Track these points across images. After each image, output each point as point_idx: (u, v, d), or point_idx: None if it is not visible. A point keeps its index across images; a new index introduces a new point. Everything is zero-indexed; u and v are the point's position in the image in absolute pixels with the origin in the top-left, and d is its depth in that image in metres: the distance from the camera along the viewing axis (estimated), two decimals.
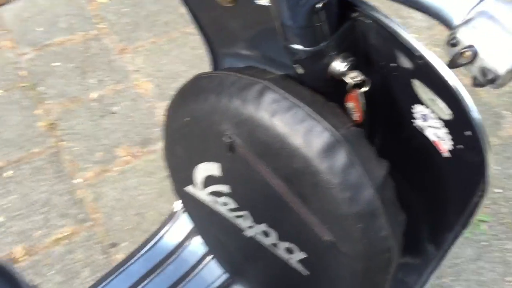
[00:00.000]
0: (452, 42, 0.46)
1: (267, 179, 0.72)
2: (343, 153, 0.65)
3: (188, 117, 0.76)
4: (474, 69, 0.45)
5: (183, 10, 0.92)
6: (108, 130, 1.67)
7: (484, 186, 0.63)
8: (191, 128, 0.77)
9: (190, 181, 0.85)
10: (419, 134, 0.69)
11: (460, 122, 0.59)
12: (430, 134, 0.68)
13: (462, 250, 1.47)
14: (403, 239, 0.74)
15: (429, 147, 0.69)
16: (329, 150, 0.65)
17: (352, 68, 0.66)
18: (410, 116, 0.69)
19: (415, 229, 0.80)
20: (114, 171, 1.56)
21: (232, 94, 0.70)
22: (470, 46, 0.44)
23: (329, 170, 0.65)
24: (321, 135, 0.65)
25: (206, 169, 0.80)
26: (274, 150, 0.68)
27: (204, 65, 0.95)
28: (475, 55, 0.44)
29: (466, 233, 1.48)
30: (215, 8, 0.75)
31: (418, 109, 0.67)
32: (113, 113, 1.72)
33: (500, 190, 1.60)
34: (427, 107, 0.64)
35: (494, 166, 1.74)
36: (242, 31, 0.78)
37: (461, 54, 0.44)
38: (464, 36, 0.45)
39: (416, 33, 2.08)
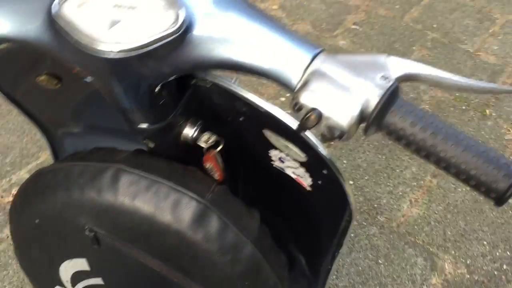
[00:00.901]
0: (296, 108, 0.47)
1: (143, 262, 0.68)
2: (214, 218, 0.64)
3: (37, 218, 0.68)
4: (322, 128, 0.47)
5: None
6: None
7: (350, 212, 0.67)
8: (44, 229, 0.69)
9: (57, 282, 0.77)
10: (281, 173, 0.71)
11: (315, 163, 0.62)
12: (290, 173, 0.71)
13: None
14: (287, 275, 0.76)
15: (293, 183, 0.71)
16: (200, 219, 0.63)
17: (202, 130, 0.66)
18: (269, 159, 0.70)
19: (292, 259, 0.82)
20: None
21: (83, 186, 0.64)
22: (314, 109, 0.46)
23: (205, 239, 0.63)
24: (189, 206, 0.63)
25: (72, 266, 0.73)
26: (144, 233, 0.64)
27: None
28: (320, 116, 0.46)
29: None
30: (42, 92, 0.69)
31: (274, 153, 0.69)
32: None
33: (351, 182, 1.74)
34: (281, 151, 0.66)
35: (342, 160, 1.86)
36: (78, 109, 0.73)
37: (307, 118, 0.46)
38: (306, 100, 0.46)
39: None
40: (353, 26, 2.33)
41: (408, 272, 1.52)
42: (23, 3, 0.50)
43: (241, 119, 0.65)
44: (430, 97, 2.02)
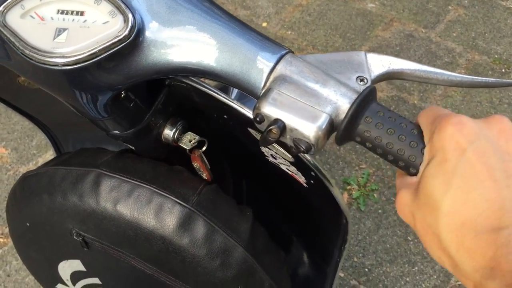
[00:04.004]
0: (257, 120, 0.42)
1: (134, 264, 0.66)
2: (200, 222, 0.61)
3: (27, 222, 0.67)
4: (288, 141, 0.42)
5: None
6: None
7: (343, 214, 0.63)
8: (35, 232, 0.69)
9: (58, 280, 0.77)
10: (279, 168, 0.67)
11: (302, 164, 0.57)
12: (285, 169, 0.66)
13: (362, 224, 1.51)
14: (288, 272, 0.72)
15: (292, 178, 0.67)
16: (185, 224, 0.60)
17: (184, 131, 0.62)
18: (262, 154, 0.66)
19: (296, 255, 0.79)
20: None
21: (65, 191, 0.62)
22: (276, 121, 0.41)
23: (191, 244, 0.60)
24: (172, 211, 0.60)
25: (69, 266, 0.72)
26: (130, 238, 0.62)
27: None
28: (282, 129, 0.41)
29: (361, 207, 1.54)
30: (30, 92, 0.67)
31: (264, 149, 0.65)
32: None
33: None
34: (270, 149, 0.62)
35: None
36: (63, 109, 0.71)
37: (269, 131, 0.41)
38: (268, 110, 0.41)
39: (266, 20, 2.08)
40: None
41: None
42: None
43: (225, 116, 0.61)
44: (466, 60, 1.89)
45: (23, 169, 1.61)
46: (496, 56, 1.90)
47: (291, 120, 0.40)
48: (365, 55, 0.43)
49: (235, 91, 1.08)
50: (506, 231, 0.32)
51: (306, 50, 1.95)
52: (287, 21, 2.07)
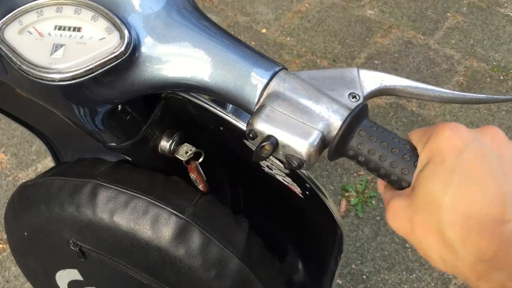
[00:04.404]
0: (250, 136, 0.43)
1: (131, 274, 0.66)
2: (196, 233, 0.61)
3: (25, 231, 0.68)
4: (280, 156, 0.43)
5: None
6: None
7: (338, 227, 0.63)
8: (33, 242, 0.69)
9: None
10: (274, 179, 0.68)
11: (297, 176, 0.58)
12: (281, 179, 0.67)
13: (360, 231, 1.52)
14: (283, 282, 0.73)
15: (287, 188, 0.68)
16: (181, 235, 0.61)
17: (180, 142, 0.62)
18: (259, 165, 0.67)
19: (293, 266, 0.79)
20: None
21: (63, 201, 0.63)
22: (269, 137, 0.41)
23: (187, 255, 0.61)
24: (168, 222, 0.60)
25: (66, 275, 0.73)
26: (126, 249, 0.62)
27: None
28: (275, 145, 0.41)
29: (359, 214, 1.54)
30: (29, 103, 0.68)
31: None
32: None
33: None
34: (266, 160, 0.62)
35: None
36: (59, 121, 0.71)
37: (262, 147, 0.41)
38: (261, 127, 0.42)
39: (265, 26, 2.09)
40: None
41: None
42: None
43: (221, 128, 0.61)
44: (464, 67, 1.90)
45: (22, 175, 1.61)
46: (494, 63, 1.91)
47: (283, 137, 0.41)
48: (358, 72, 0.44)
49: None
50: (510, 224, 0.33)
51: (305, 56, 1.96)
52: (286, 27, 2.08)
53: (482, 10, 2.12)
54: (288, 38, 2.03)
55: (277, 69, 0.44)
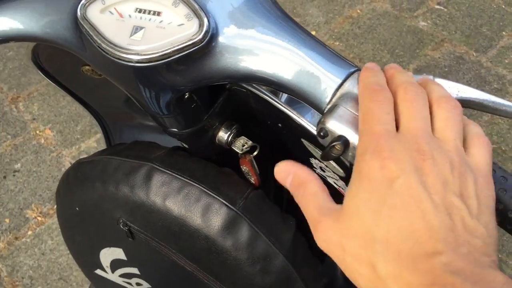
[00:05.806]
0: (321, 134, 0.42)
1: (175, 260, 0.67)
2: (245, 226, 0.61)
3: (77, 207, 0.70)
4: (349, 158, 0.42)
5: None
6: (13, 191, 1.54)
7: None
8: (83, 217, 0.71)
9: (98, 265, 0.79)
10: (324, 181, 0.67)
11: None
12: (332, 182, 0.66)
13: None
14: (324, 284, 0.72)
15: (337, 192, 0.67)
16: (230, 226, 0.61)
17: (238, 134, 0.63)
18: (311, 166, 0.67)
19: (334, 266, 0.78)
20: (27, 236, 1.45)
21: (118, 181, 0.64)
22: (340, 137, 0.41)
23: (234, 247, 0.61)
24: (219, 212, 0.61)
25: (110, 254, 0.74)
26: (174, 234, 0.63)
27: None
28: (346, 146, 0.41)
29: None
30: (91, 82, 0.69)
31: (314, 161, 0.65)
32: (15, 171, 1.60)
33: None
34: (321, 161, 0.62)
35: None
36: (123, 102, 0.73)
37: (332, 146, 0.41)
38: (332, 126, 0.42)
39: (315, 28, 2.09)
40: (437, 6, 2.17)
41: None
42: (52, 4, 0.49)
43: (280, 124, 0.61)
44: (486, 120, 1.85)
45: (66, 152, 1.65)
46: None
47: (355, 138, 0.41)
48: (433, 80, 0.43)
49: (284, 97, 1.09)
50: (442, 257, 0.32)
51: (352, 62, 1.94)
52: (336, 32, 2.07)
53: None
54: (337, 43, 2.02)
55: (352, 70, 0.44)
